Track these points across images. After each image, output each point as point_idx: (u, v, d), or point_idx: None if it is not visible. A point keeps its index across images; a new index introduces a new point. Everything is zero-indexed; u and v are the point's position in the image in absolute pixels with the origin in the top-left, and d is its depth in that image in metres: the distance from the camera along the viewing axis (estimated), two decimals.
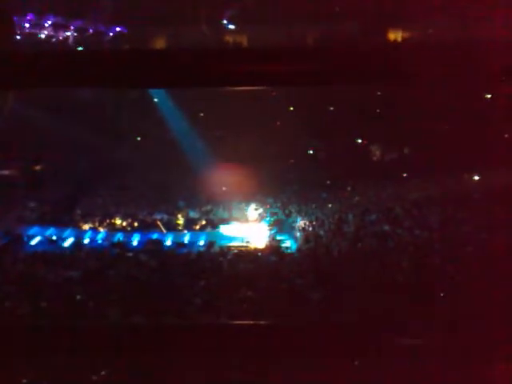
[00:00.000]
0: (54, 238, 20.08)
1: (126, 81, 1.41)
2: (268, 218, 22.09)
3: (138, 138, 28.76)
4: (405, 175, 24.90)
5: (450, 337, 1.85)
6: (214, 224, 21.77)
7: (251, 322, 1.78)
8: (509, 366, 1.87)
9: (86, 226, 21.55)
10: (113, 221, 21.91)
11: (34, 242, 19.76)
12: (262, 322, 1.78)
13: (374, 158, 29.03)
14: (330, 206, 22.24)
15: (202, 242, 19.83)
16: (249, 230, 20.83)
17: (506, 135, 23.43)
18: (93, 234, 20.71)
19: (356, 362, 1.94)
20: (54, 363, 2.16)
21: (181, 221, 22.06)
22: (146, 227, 21.40)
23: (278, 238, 20.34)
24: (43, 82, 1.49)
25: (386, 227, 18.77)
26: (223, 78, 1.45)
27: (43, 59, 1.43)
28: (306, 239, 19.10)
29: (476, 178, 23.34)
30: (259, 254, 18.21)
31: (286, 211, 22.72)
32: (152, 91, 28.27)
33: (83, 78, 1.40)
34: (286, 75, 1.49)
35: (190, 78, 1.43)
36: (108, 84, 1.45)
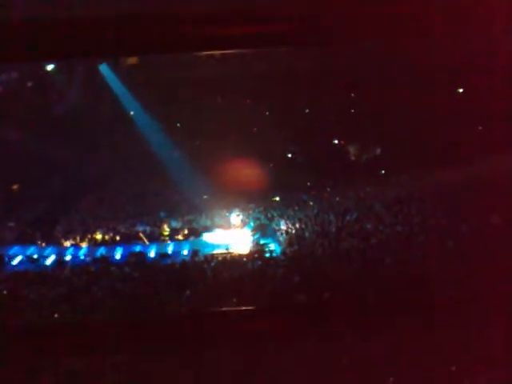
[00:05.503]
0: (35, 256, 19.78)
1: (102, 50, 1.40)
2: (251, 224, 22.09)
3: (115, 151, 28.53)
4: (383, 172, 25.13)
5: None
6: (197, 233, 21.69)
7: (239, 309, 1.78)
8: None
9: (68, 243, 21.28)
10: (94, 236, 21.67)
11: (14, 262, 19.44)
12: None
13: (353, 158, 29.20)
14: (311, 207, 22.32)
15: (185, 252, 19.73)
16: (232, 236, 20.81)
17: (480, 127, 23.80)
18: (75, 250, 20.46)
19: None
20: None
21: (163, 231, 21.92)
22: (128, 240, 21.21)
23: (262, 242, 20.36)
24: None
25: (368, 225, 18.88)
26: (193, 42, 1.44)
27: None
28: (290, 242, 19.12)
29: (453, 172, 23.64)
30: (244, 259, 18.17)
31: (269, 215, 22.72)
32: (126, 104, 28.09)
33: (65, 49, 1.39)
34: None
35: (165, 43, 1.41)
36: (84, 53, 1.43)
